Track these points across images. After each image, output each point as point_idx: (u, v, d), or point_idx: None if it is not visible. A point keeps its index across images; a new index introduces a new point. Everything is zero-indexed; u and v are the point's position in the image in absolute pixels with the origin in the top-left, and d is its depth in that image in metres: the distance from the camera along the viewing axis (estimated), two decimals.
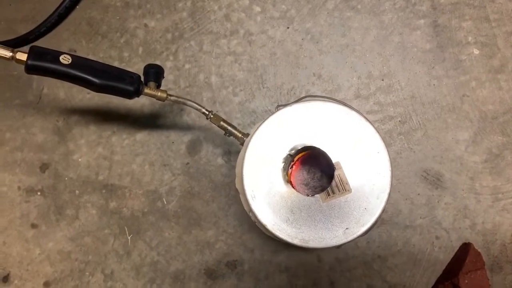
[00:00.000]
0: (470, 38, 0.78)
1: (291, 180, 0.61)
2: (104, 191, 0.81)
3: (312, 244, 0.50)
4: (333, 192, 0.50)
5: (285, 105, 0.60)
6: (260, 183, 0.51)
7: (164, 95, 0.62)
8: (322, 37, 0.80)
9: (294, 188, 0.52)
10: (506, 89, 0.77)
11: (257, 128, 0.52)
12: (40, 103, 0.84)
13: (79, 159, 0.82)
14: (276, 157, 0.51)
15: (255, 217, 0.52)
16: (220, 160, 0.80)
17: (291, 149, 0.51)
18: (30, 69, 0.55)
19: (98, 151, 0.82)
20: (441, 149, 0.77)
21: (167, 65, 0.82)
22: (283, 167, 0.52)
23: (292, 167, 0.62)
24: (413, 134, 0.78)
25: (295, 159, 0.62)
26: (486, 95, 0.77)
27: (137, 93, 0.60)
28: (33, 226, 0.82)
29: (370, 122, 0.52)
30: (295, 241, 0.50)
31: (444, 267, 0.75)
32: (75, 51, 0.84)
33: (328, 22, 0.81)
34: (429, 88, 0.78)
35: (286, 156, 0.51)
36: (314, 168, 0.63)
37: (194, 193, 0.80)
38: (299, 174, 0.63)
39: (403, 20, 0.80)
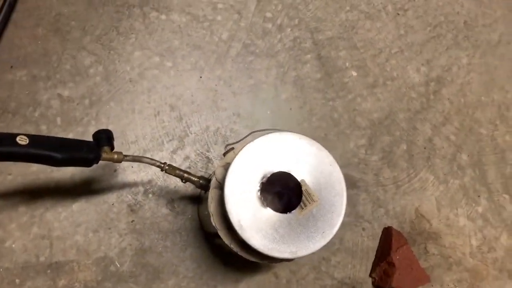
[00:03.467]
0: (347, 64, 0.97)
1: None
2: (49, 271, 0.77)
3: (300, 253, 0.58)
4: (305, 205, 0.59)
5: (234, 143, 0.68)
6: (242, 214, 0.57)
7: (121, 156, 0.64)
8: (232, 81, 0.91)
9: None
10: (382, 99, 0.96)
11: (229, 165, 0.59)
12: None
13: (13, 245, 0.77)
14: (251, 188, 0.58)
15: (244, 244, 0.58)
16: (165, 210, 0.83)
17: (263, 178, 0.59)
18: None
19: (33, 231, 0.78)
20: (348, 156, 0.93)
21: (90, 130, 0.83)
22: (259, 195, 0.59)
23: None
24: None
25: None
26: (370, 106, 0.96)
27: (96, 159, 0.62)
28: None
29: (321, 145, 0.64)
30: (286, 255, 0.57)
31: (375, 252, 0.89)
32: None
33: (235, 67, 0.91)
34: (327, 108, 0.94)
35: (260, 184, 0.59)
36: (278, 193, 0.71)
37: (145, 248, 0.81)
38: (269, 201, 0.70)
39: (294, 57, 0.95)
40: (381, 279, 0.85)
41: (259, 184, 0.59)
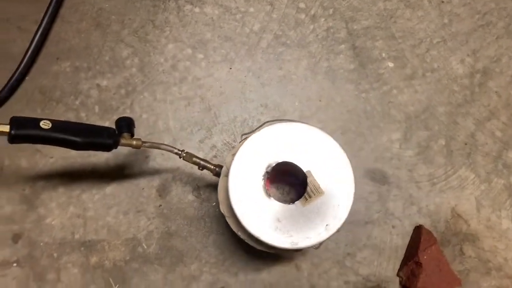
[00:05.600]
0: (384, 54, 0.93)
1: None
2: (82, 248, 0.83)
3: (301, 244, 0.57)
4: (310, 197, 0.58)
5: (249, 133, 0.68)
6: (246, 202, 0.58)
7: (140, 142, 0.68)
8: (262, 72, 0.91)
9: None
10: (420, 92, 0.91)
11: (235, 153, 0.60)
12: (3, 175, 0.85)
13: (52, 222, 0.84)
14: (256, 177, 0.59)
15: (247, 232, 0.58)
16: (191, 197, 0.86)
17: (268, 167, 0.59)
18: (14, 138, 0.58)
19: (70, 211, 0.84)
20: (380, 151, 0.89)
21: None
22: (263, 183, 0.59)
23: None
24: (355, 142, 0.89)
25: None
26: (406, 99, 0.91)
27: (115, 145, 0.66)
28: None
29: (329, 134, 0.62)
30: (286, 245, 0.57)
31: (404, 251, 0.85)
32: None
33: (265, 58, 0.92)
34: (360, 101, 0.91)
35: (264, 174, 0.59)
36: (282, 185, 0.72)
37: (171, 232, 0.85)
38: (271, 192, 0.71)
39: (327, 47, 0.93)
40: (408, 279, 0.82)
41: (263, 173, 0.60)
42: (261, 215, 0.58)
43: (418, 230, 0.85)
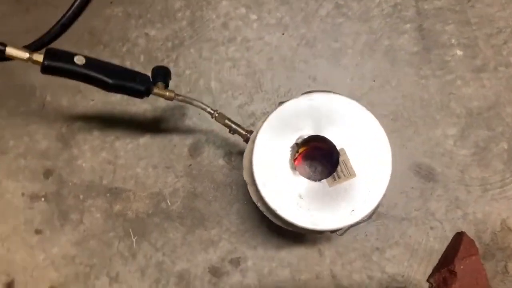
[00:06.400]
0: (453, 40, 0.84)
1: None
2: (108, 194, 0.83)
3: (322, 226, 0.53)
4: (339, 177, 0.53)
5: (286, 101, 0.64)
6: (269, 171, 0.54)
7: (172, 94, 0.65)
8: (316, 42, 0.85)
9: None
10: (488, 87, 0.82)
11: (266, 119, 0.56)
12: (43, 111, 0.86)
13: (83, 164, 0.84)
14: (284, 147, 0.55)
15: (266, 204, 0.54)
16: (221, 161, 0.83)
17: (298, 138, 0.55)
18: (46, 69, 0.57)
19: (102, 156, 0.84)
20: (431, 145, 0.81)
21: None
22: (291, 156, 0.55)
23: (295, 161, 0.66)
24: (405, 131, 0.82)
25: (298, 153, 0.65)
26: (471, 92, 0.82)
27: (147, 92, 0.63)
28: (37, 232, 0.83)
29: (371, 112, 0.56)
30: (306, 225, 0.53)
31: (440, 256, 0.78)
32: None
33: (321, 28, 0.85)
34: (418, 87, 0.83)
35: (293, 145, 0.55)
36: (315, 163, 0.67)
37: (197, 194, 0.82)
38: (301, 169, 0.67)
39: (390, 25, 0.85)
40: (438, 286, 0.75)
41: (293, 144, 0.55)
42: (282, 187, 0.53)
43: (459, 237, 0.77)
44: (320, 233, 0.56)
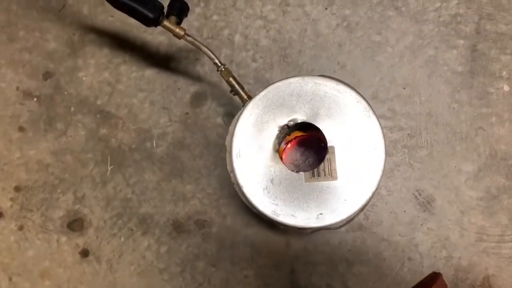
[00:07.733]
0: (504, 73, 0.75)
1: (282, 156, 0.59)
2: (98, 115, 0.80)
3: (282, 218, 0.48)
4: (318, 175, 0.48)
5: (293, 76, 0.58)
6: (249, 144, 0.49)
7: (182, 32, 0.60)
8: (357, 28, 0.78)
9: (281, 160, 0.50)
10: None
11: (263, 89, 0.50)
12: (61, 12, 0.82)
13: (84, 78, 0.81)
14: (273, 124, 0.49)
15: (235, 177, 0.50)
16: (219, 120, 0.78)
17: (290, 120, 0.49)
18: None
19: (104, 75, 0.80)
20: (440, 174, 0.75)
21: (196, 11, 0.80)
22: (277, 135, 0.50)
23: (288, 144, 0.61)
24: (418, 151, 0.75)
25: (292, 138, 0.60)
26: (502, 134, 0.74)
27: (155, 21, 0.58)
28: (21, 129, 0.81)
29: (377, 119, 0.50)
30: (265, 211, 0.48)
31: None
32: None
33: (368, 15, 0.78)
34: (448, 110, 0.75)
35: (283, 126, 0.49)
36: (308, 152, 0.61)
37: (185, 144, 0.79)
38: (292, 153, 0.61)
39: (443, 35, 0.77)
40: None
41: (282, 125, 0.50)
42: (256, 166, 0.48)
43: (434, 277, 0.71)
44: (280, 224, 0.52)
